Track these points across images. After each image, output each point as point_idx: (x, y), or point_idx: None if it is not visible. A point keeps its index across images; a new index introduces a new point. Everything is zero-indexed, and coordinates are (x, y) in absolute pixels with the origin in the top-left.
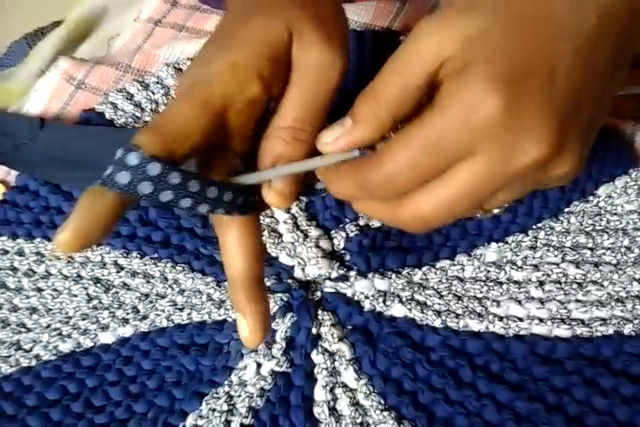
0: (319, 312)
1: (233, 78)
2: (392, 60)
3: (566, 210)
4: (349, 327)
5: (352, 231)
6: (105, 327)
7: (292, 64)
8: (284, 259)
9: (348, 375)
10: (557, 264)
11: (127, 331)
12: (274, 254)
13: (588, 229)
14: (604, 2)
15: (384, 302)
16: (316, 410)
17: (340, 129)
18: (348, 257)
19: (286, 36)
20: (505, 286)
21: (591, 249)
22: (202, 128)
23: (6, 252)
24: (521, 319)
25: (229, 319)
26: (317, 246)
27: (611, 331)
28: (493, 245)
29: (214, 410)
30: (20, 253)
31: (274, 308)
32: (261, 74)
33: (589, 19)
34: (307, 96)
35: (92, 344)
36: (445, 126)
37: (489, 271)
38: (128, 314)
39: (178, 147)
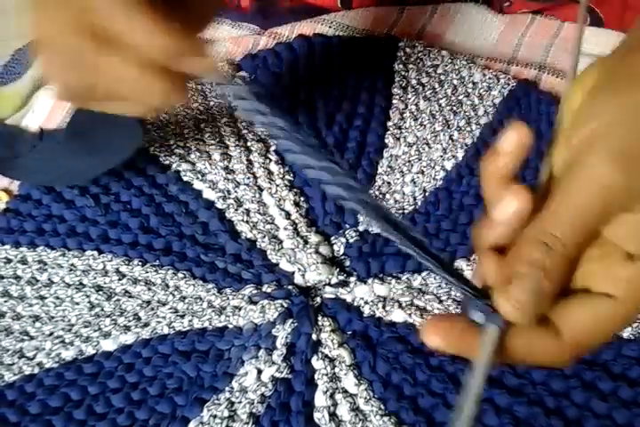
0: (319, 318)
1: None
2: (578, 216)
3: None
4: (349, 333)
5: (352, 237)
6: (107, 335)
7: None
8: (285, 265)
9: (349, 381)
10: None
11: (129, 338)
12: (274, 261)
13: None
14: None
15: (384, 307)
16: (317, 416)
17: (539, 294)
18: (347, 263)
19: None
20: None
21: None
22: None
23: (9, 260)
24: None
25: (230, 326)
26: (317, 252)
27: None
28: None
29: (215, 416)
30: (24, 261)
31: (274, 314)
32: None
33: None
34: None
35: (94, 352)
36: None
37: None
38: (130, 321)
39: None
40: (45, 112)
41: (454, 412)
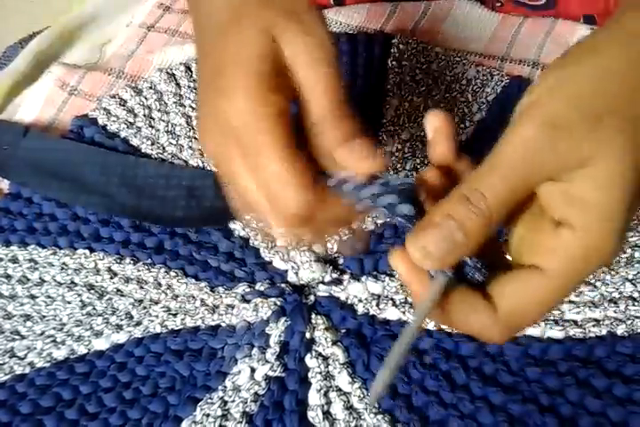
0: (313, 316)
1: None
2: (503, 175)
3: None
4: (343, 331)
5: (345, 235)
6: (99, 334)
7: (289, 61)
8: (278, 263)
9: (342, 379)
10: None
11: (121, 337)
12: (267, 259)
13: None
14: None
15: (377, 305)
16: (310, 414)
17: (450, 244)
18: (341, 261)
19: (271, 43)
20: None
21: None
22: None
23: (0, 259)
24: None
25: (223, 324)
26: (311, 250)
27: (604, 332)
28: None
29: (208, 415)
30: (14, 260)
31: (267, 312)
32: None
33: None
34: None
35: (85, 351)
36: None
37: None
38: (122, 320)
39: None
40: (41, 99)
41: (386, 356)
